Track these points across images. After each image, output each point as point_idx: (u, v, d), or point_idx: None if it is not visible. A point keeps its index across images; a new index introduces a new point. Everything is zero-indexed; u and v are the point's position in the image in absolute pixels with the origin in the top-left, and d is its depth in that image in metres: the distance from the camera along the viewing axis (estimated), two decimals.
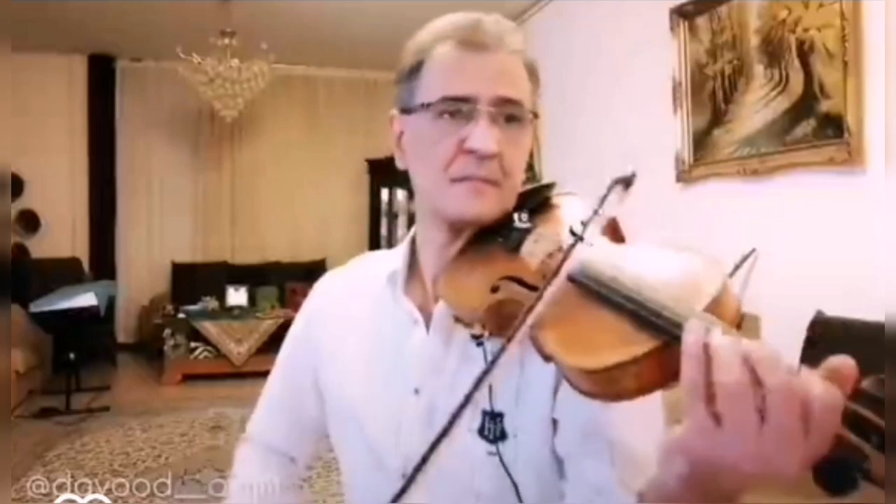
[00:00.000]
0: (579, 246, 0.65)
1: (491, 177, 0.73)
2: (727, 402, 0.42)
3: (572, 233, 0.70)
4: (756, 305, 2.96)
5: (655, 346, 0.50)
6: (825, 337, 2.39)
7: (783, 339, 2.61)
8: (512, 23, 0.79)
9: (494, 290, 0.68)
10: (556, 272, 0.58)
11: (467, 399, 0.54)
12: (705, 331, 0.45)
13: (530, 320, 0.56)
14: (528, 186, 0.80)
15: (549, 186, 0.81)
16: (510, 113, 0.74)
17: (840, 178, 2.55)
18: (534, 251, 0.69)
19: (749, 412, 0.42)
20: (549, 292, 0.58)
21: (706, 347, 0.44)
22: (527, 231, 0.72)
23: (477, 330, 0.69)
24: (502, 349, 0.55)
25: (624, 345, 0.51)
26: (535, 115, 0.77)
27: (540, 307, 0.58)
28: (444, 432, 0.53)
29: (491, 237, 0.74)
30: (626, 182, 0.64)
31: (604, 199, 0.63)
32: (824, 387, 0.41)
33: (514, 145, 0.74)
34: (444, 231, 0.79)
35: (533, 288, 0.64)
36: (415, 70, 0.77)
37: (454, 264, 0.75)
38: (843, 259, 2.51)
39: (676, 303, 0.51)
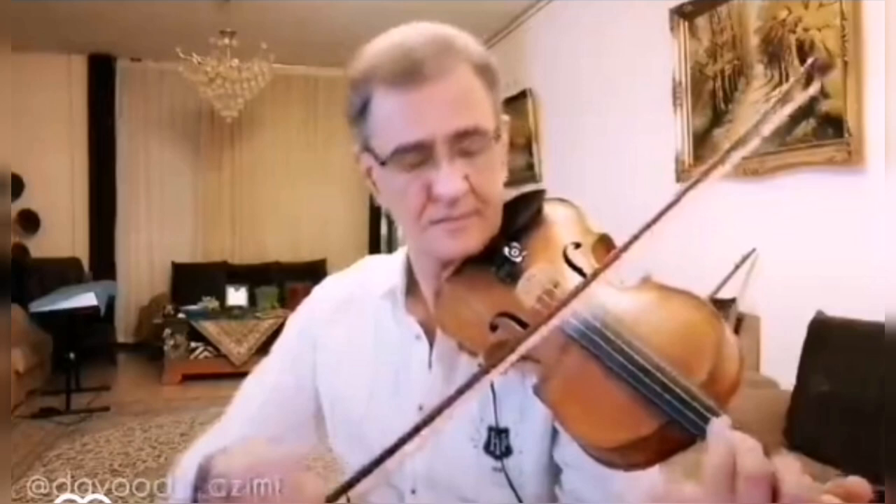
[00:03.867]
0: (575, 280, 0.64)
1: (468, 211, 0.70)
2: (749, 486, 0.44)
3: (567, 261, 0.69)
4: (756, 305, 2.97)
5: (659, 426, 0.50)
6: (825, 337, 2.38)
7: (783, 339, 2.61)
8: (447, 28, 0.72)
9: (494, 328, 0.67)
10: (552, 314, 0.56)
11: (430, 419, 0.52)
12: (730, 431, 0.47)
13: (514, 357, 0.55)
14: (515, 194, 0.77)
15: (539, 194, 0.78)
16: (471, 144, 0.69)
17: (840, 178, 2.55)
18: (529, 289, 0.67)
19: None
20: (549, 338, 0.56)
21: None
22: (519, 265, 0.70)
23: (481, 360, 0.68)
24: (477, 376, 0.53)
25: (627, 421, 0.51)
26: (498, 133, 0.73)
27: (542, 351, 0.57)
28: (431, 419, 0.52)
29: (484, 264, 0.72)
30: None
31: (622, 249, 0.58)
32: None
33: (484, 172, 0.71)
34: (434, 261, 0.77)
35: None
36: (361, 112, 0.72)
37: (450, 289, 0.73)
38: (843, 259, 2.51)
39: (678, 377, 0.50)
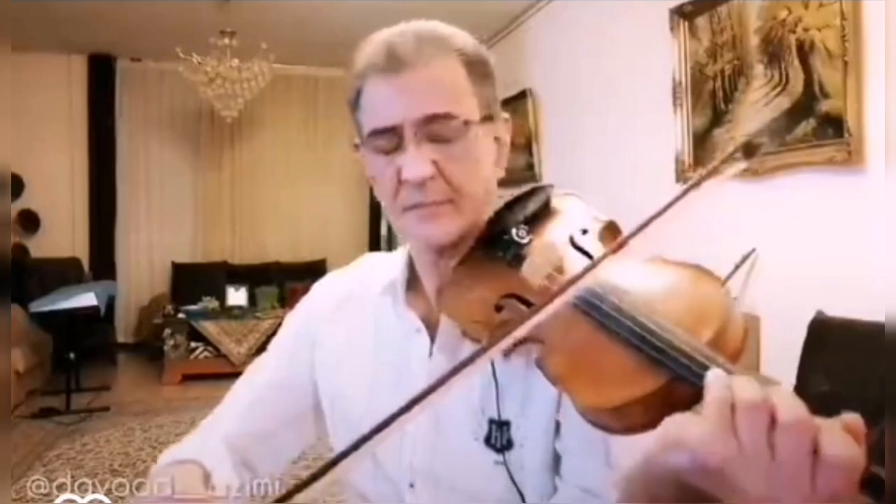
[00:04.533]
0: (581, 262, 0.64)
1: (439, 199, 0.71)
2: (745, 418, 0.44)
3: (573, 245, 0.69)
4: (756, 305, 2.96)
5: (664, 382, 0.50)
6: (825, 337, 2.38)
7: (783, 339, 2.61)
8: (438, 24, 0.75)
9: (499, 308, 0.67)
10: (558, 293, 0.56)
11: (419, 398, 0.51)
12: (727, 377, 0.47)
13: (519, 333, 0.54)
14: (525, 189, 0.78)
15: (547, 188, 0.79)
16: (441, 130, 0.70)
17: (840, 178, 2.55)
18: (536, 269, 0.67)
19: (762, 435, 0.43)
20: (553, 315, 0.56)
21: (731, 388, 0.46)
22: (526, 247, 0.71)
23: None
24: (479, 352, 0.53)
25: (632, 380, 0.51)
26: (489, 117, 0.74)
27: (546, 329, 0.57)
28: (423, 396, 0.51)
29: (491, 250, 0.73)
30: None
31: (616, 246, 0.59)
32: (839, 433, 0.43)
33: (459, 161, 0.71)
34: (430, 251, 0.78)
35: None
36: (355, 101, 0.75)
37: (455, 277, 0.74)
38: (843, 259, 2.51)
39: (684, 336, 0.51)
